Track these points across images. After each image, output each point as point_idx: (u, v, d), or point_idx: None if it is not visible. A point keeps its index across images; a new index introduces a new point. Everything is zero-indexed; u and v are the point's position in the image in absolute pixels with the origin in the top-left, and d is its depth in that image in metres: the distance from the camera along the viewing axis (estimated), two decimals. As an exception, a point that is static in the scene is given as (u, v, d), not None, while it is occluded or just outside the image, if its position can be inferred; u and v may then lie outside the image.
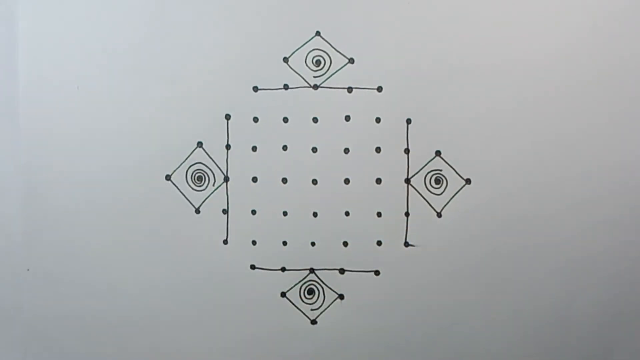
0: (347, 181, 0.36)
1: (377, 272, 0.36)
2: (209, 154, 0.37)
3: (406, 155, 0.36)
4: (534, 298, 0.35)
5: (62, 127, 0.37)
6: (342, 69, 0.36)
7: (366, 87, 0.36)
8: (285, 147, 0.36)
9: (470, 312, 0.35)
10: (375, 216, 0.36)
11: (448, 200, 0.36)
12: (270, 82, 0.36)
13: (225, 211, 0.37)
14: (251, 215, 0.37)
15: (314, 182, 0.36)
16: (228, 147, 0.37)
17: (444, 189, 0.36)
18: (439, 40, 0.35)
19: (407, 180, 0.36)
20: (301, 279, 0.37)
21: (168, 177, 0.37)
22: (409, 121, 0.36)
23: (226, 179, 0.37)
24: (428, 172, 0.36)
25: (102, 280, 0.38)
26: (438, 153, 0.36)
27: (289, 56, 0.36)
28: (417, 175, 0.36)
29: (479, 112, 0.35)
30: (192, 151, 0.37)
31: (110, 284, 0.38)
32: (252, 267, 0.37)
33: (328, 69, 0.36)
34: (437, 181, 0.36)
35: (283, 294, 0.37)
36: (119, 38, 0.37)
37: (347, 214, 0.36)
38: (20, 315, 0.39)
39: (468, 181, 0.35)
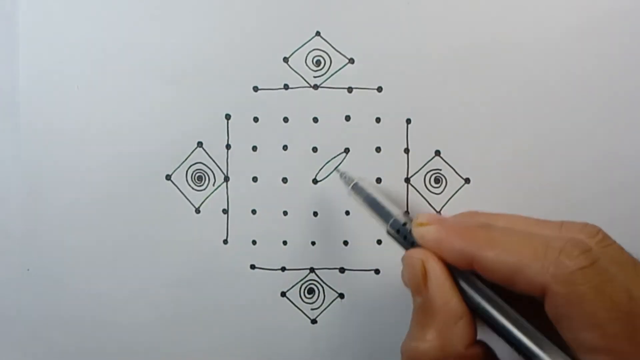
0: (347, 181, 0.36)
1: (377, 271, 0.36)
2: (209, 154, 0.37)
3: (406, 155, 0.36)
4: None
5: (62, 127, 0.37)
6: (342, 69, 0.36)
7: (366, 87, 0.36)
8: (285, 147, 0.37)
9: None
10: (376, 215, 0.36)
11: (447, 199, 0.36)
12: (270, 82, 0.36)
13: (225, 211, 0.37)
14: (251, 214, 0.37)
15: (314, 181, 0.36)
16: (228, 147, 0.37)
17: (444, 189, 0.36)
18: (439, 41, 0.35)
19: (407, 180, 0.36)
20: (301, 278, 0.37)
21: (168, 177, 0.37)
22: (408, 121, 0.36)
23: (226, 179, 0.37)
24: (428, 172, 0.36)
25: (102, 280, 0.38)
26: (437, 153, 0.36)
27: (289, 56, 0.36)
28: (416, 174, 0.36)
29: (478, 112, 0.35)
30: (192, 151, 0.37)
31: (110, 283, 0.38)
32: (252, 266, 0.37)
33: (328, 69, 0.36)
34: (437, 180, 0.36)
35: (283, 294, 0.37)
36: (119, 38, 0.37)
37: (347, 213, 0.36)
38: (20, 315, 0.38)
39: (467, 181, 0.36)
